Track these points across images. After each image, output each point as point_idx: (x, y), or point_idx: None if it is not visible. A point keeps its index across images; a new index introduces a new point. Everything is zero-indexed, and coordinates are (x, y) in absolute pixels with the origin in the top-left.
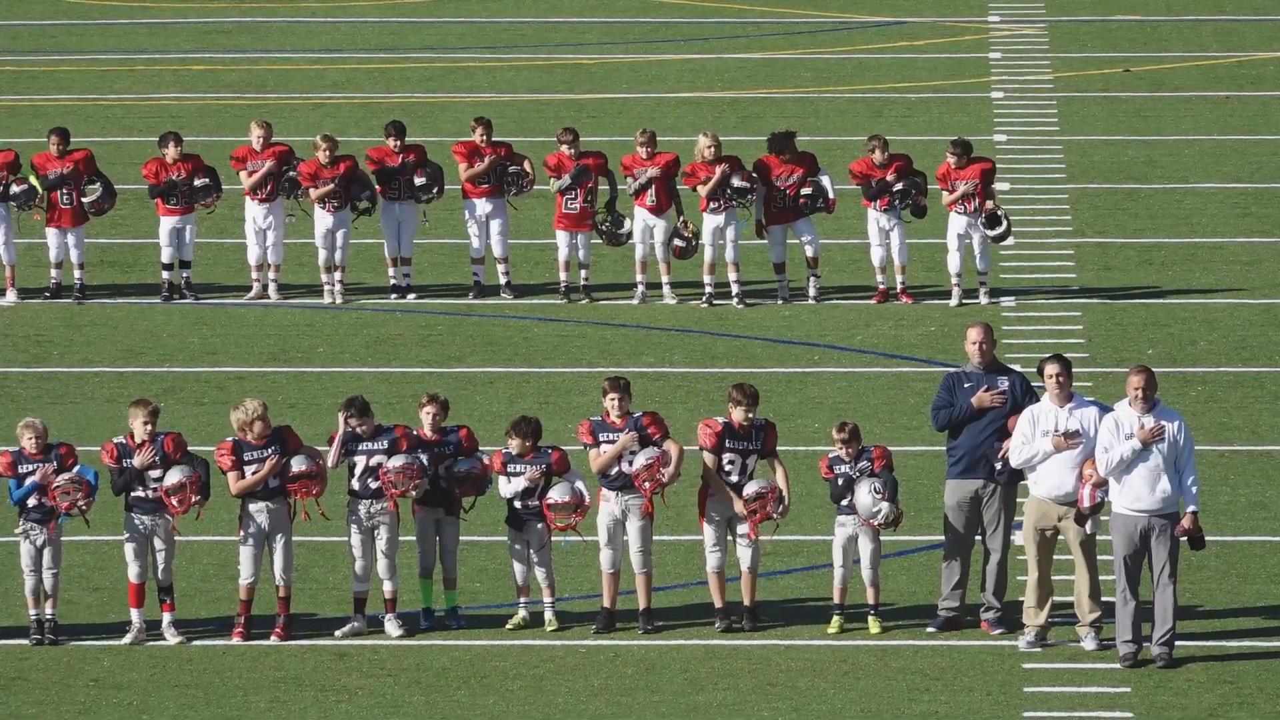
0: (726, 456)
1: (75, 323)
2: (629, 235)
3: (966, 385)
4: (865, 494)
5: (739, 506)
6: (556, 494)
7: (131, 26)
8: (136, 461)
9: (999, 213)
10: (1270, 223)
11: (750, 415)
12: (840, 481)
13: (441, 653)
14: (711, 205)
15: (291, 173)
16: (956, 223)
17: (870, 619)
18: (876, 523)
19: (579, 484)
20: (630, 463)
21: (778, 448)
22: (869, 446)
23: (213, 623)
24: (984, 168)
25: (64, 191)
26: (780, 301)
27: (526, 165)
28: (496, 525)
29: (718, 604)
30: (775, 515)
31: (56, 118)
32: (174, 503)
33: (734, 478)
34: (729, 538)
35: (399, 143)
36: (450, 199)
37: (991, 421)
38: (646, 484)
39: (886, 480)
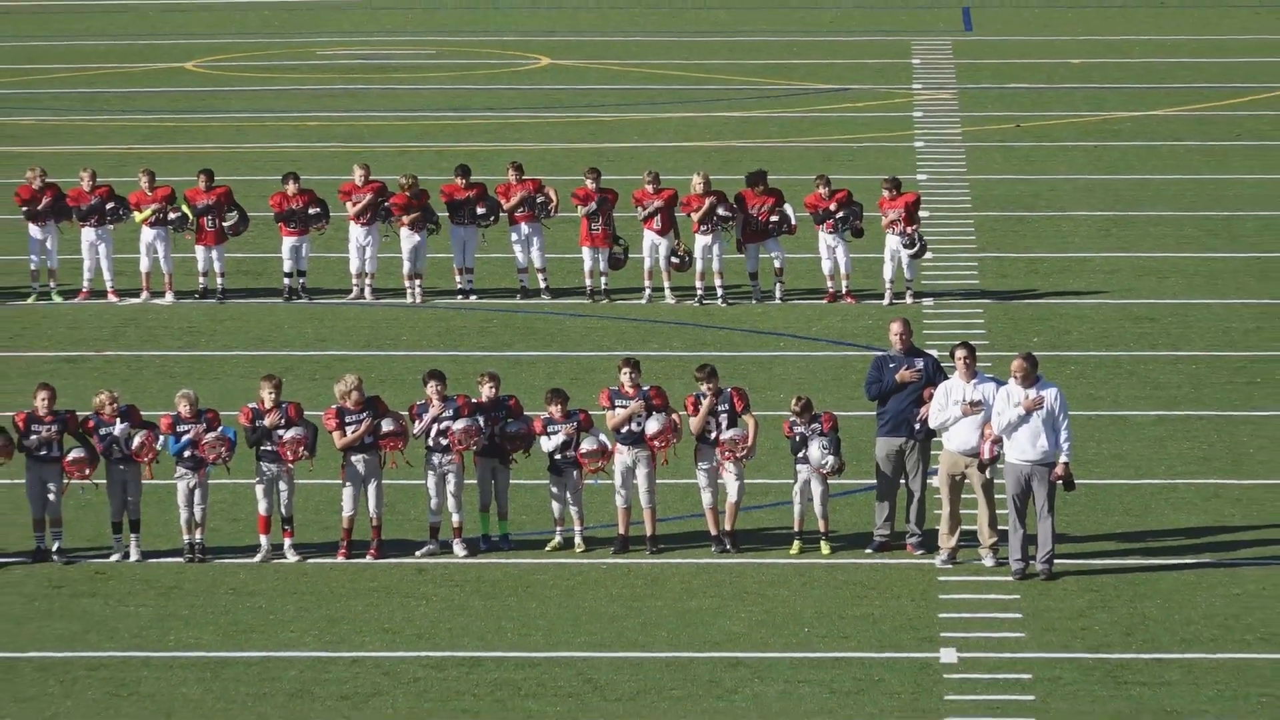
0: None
1: (217, 317)
2: (625, 261)
3: (891, 365)
4: (816, 449)
5: (719, 450)
6: (587, 445)
7: (261, 92)
8: (266, 422)
9: (917, 236)
10: (1126, 242)
11: (711, 385)
12: (796, 439)
13: (496, 568)
14: (702, 228)
15: (385, 203)
16: (889, 241)
17: (822, 543)
18: (824, 471)
19: (601, 436)
20: (639, 424)
21: (751, 410)
22: (820, 413)
23: (323, 546)
24: (908, 200)
25: (209, 218)
26: (755, 302)
27: (551, 193)
28: (538, 472)
29: (713, 531)
30: (740, 456)
31: (204, 161)
32: (288, 454)
33: (713, 434)
34: (719, 480)
35: (465, 181)
36: (501, 223)
37: (911, 392)
38: (657, 444)
39: (832, 439)
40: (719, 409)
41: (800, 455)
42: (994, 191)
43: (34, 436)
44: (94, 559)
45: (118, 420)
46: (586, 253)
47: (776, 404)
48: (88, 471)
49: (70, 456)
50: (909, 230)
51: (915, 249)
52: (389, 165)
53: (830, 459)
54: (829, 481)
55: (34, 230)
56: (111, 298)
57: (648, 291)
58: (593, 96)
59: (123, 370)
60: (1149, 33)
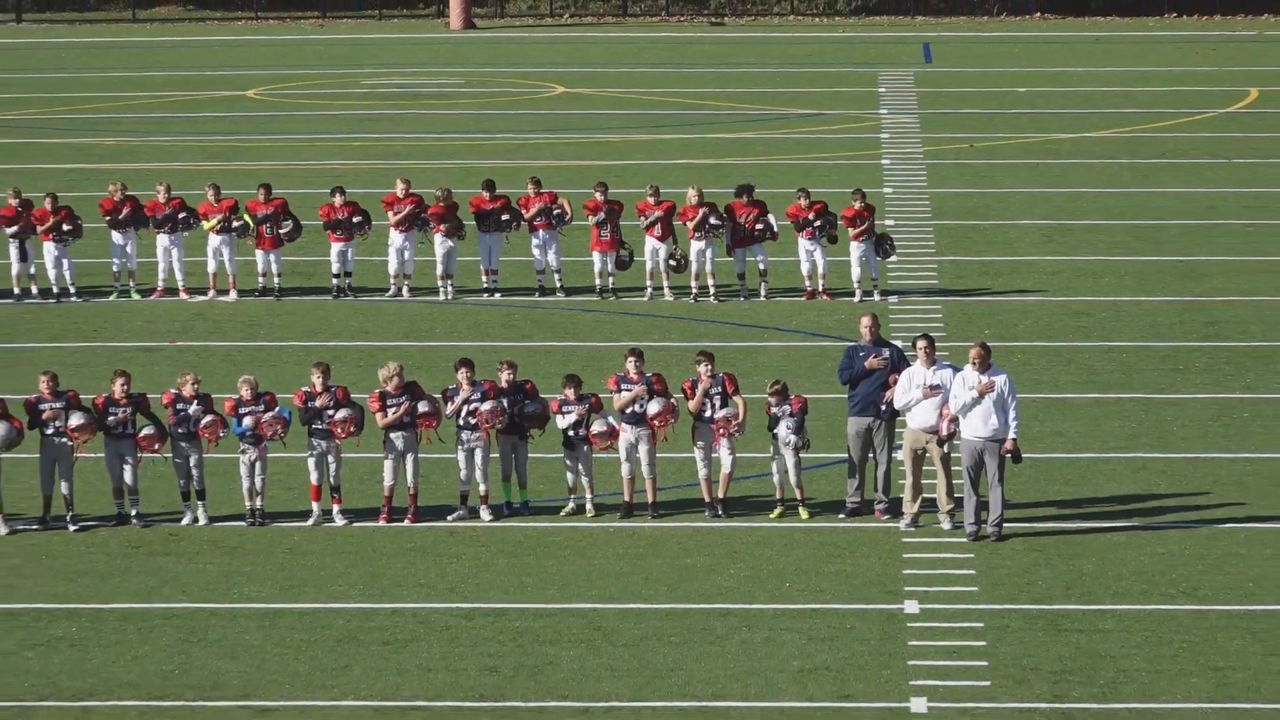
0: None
1: (275, 312)
2: (630, 264)
3: (861, 354)
4: (783, 428)
5: (713, 427)
6: (597, 426)
7: (312, 116)
8: (318, 403)
9: (887, 242)
10: (1066, 247)
11: (707, 368)
12: (771, 418)
13: (517, 531)
14: (696, 235)
15: (423, 213)
16: (858, 247)
17: (800, 509)
18: (792, 447)
19: (610, 418)
20: (642, 406)
21: (740, 392)
22: (792, 396)
23: (367, 511)
24: (871, 208)
25: (268, 226)
26: (742, 299)
27: (565, 204)
28: (554, 446)
29: (706, 499)
30: (734, 431)
31: (263, 176)
32: (339, 431)
33: (708, 412)
34: (713, 455)
35: (490, 193)
36: (522, 230)
37: (878, 378)
38: (657, 423)
39: (799, 419)
40: (713, 391)
41: (775, 432)
42: (951, 203)
43: (111, 417)
44: (168, 523)
45: (195, 402)
46: (596, 256)
47: (761, 388)
48: (157, 446)
49: (142, 433)
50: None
51: (888, 251)
52: (424, 180)
53: (793, 437)
54: (799, 455)
55: (116, 237)
56: (183, 295)
57: (649, 290)
58: (601, 120)
59: (192, 358)
60: (1085, 65)
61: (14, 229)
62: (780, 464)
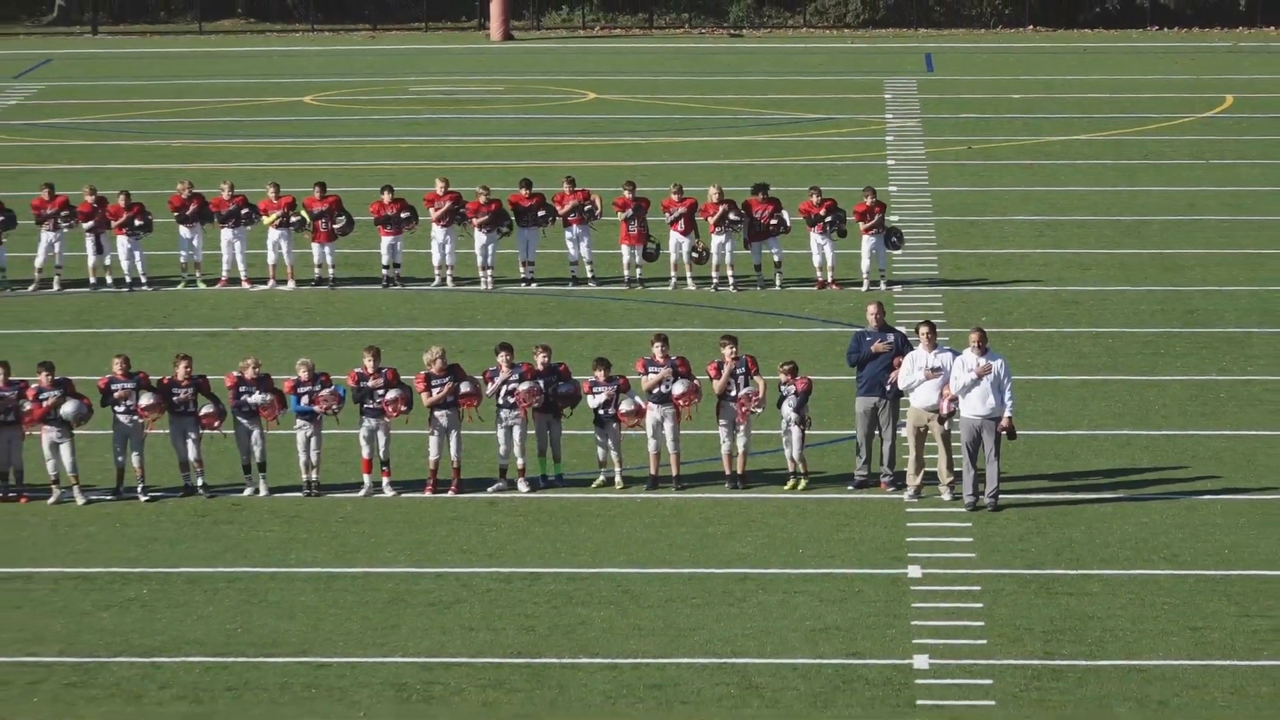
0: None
1: (329, 300)
2: (656, 256)
3: (868, 339)
4: (787, 407)
5: (736, 405)
6: (625, 405)
7: (363, 120)
8: (369, 384)
9: (895, 234)
10: (1057, 241)
11: (731, 350)
12: (779, 397)
13: (552, 501)
14: (716, 229)
15: (461, 209)
16: (866, 240)
17: (800, 480)
18: (795, 425)
19: (637, 398)
20: (667, 387)
21: (760, 373)
22: (799, 378)
23: (414, 483)
24: (883, 205)
25: (323, 221)
26: (759, 288)
27: (596, 201)
28: (585, 424)
29: (727, 472)
30: (755, 409)
31: (318, 175)
32: (390, 410)
33: (732, 391)
34: (735, 432)
35: (528, 191)
36: (557, 225)
37: (883, 360)
38: (681, 403)
39: (802, 399)
40: (737, 371)
41: (781, 409)
42: (951, 200)
43: (175, 397)
44: (231, 493)
45: (256, 383)
46: (624, 249)
47: (776, 371)
48: (217, 424)
49: (203, 411)
50: (884, 230)
51: (897, 243)
52: (466, 179)
53: (794, 414)
54: (806, 431)
55: (183, 231)
56: (245, 285)
57: (673, 280)
58: (629, 124)
59: (254, 343)
60: (1074, 74)
61: (90, 224)
62: (788, 440)
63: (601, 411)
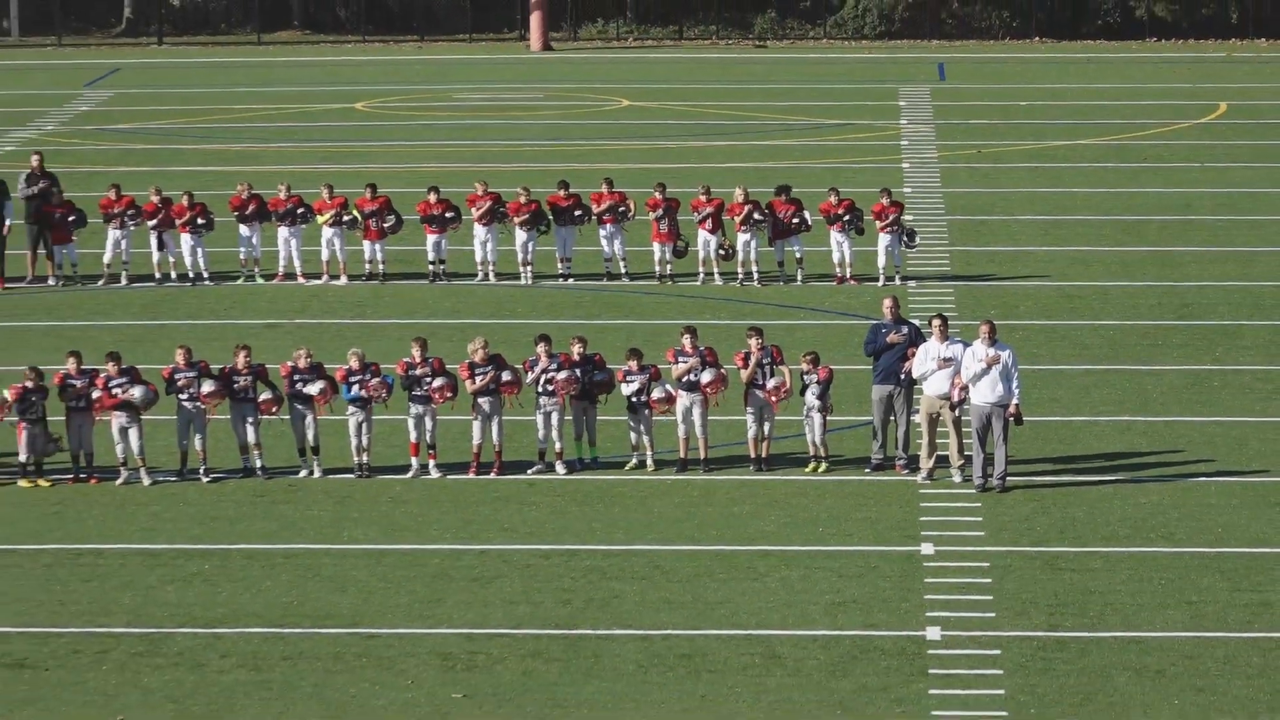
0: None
1: (379, 294)
2: (685, 253)
3: (883, 330)
4: (810, 394)
5: (764, 395)
6: (657, 393)
7: (411, 126)
8: (417, 372)
9: (912, 234)
10: (1060, 239)
11: (758, 341)
12: (802, 386)
13: (587, 483)
14: (742, 228)
15: (501, 209)
16: (883, 238)
17: (820, 464)
18: (816, 411)
19: (667, 386)
20: (696, 376)
21: (786, 362)
22: (820, 367)
23: (458, 465)
24: (900, 205)
25: (373, 220)
26: (782, 283)
27: (630, 202)
28: (619, 410)
29: (752, 455)
30: (783, 397)
31: (369, 176)
32: (437, 397)
33: (759, 380)
34: (763, 419)
35: (565, 192)
36: (592, 223)
37: (898, 351)
38: (709, 390)
39: (824, 387)
40: (763, 361)
41: (804, 397)
42: (961, 201)
43: (235, 384)
44: (288, 475)
45: (309, 371)
46: (656, 246)
47: (798, 361)
48: (275, 410)
49: (261, 398)
50: (899, 229)
51: (912, 241)
52: (507, 181)
53: (817, 401)
54: (828, 417)
55: (242, 229)
56: (300, 280)
57: (702, 275)
58: (660, 129)
59: (308, 334)
60: (1078, 82)
61: (155, 222)
62: (809, 425)
63: (634, 398)
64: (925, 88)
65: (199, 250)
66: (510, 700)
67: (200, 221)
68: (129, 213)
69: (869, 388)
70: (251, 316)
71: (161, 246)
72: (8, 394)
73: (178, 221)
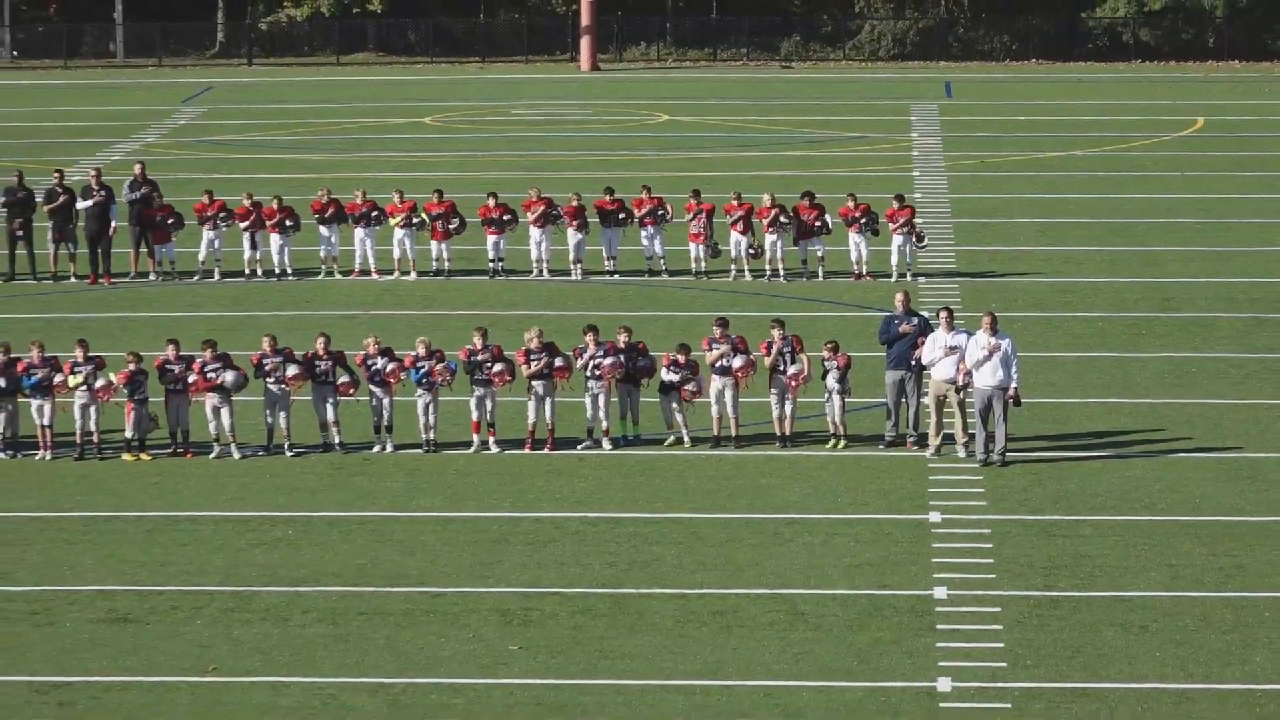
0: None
1: (446, 289)
2: (718, 253)
3: (896, 321)
4: (831, 379)
5: (785, 380)
6: (690, 386)
7: (474, 138)
8: (479, 358)
9: (921, 235)
10: (1055, 240)
11: (779, 331)
12: (824, 370)
13: (630, 458)
14: (770, 230)
15: (556, 212)
16: (896, 239)
17: (839, 441)
18: (836, 394)
19: (701, 382)
20: (728, 361)
21: (805, 350)
22: (840, 354)
23: (514, 441)
24: (911, 209)
25: (440, 222)
26: (805, 279)
27: (669, 207)
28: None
29: (777, 433)
30: (803, 382)
31: (436, 183)
32: (497, 381)
33: (781, 366)
34: (785, 401)
35: (610, 197)
36: (634, 225)
37: (909, 340)
38: (740, 375)
39: (844, 372)
40: (784, 350)
41: (825, 381)
42: (966, 205)
43: (317, 369)
44: (363, 450)
45: (380, 356)
46: (692, 246)
47: (819, 348)
48: (352, 391)
49: (340, 381)
50: (911, 231)
51: (921, 242)
52: (559, 187)
53: (837, 385)
54: (846, 399)
55: (322, 230)
56: (374, 275)
57: (733, 272)
58: (696, 141)
59: (381, 323)
60: (1071, 99)
61: (246, 224)
62: (831, 406)
63: (671, 382)
64: (934, 104)
65: (286, 249)
66: (561, 652)
67: (288, 223)
68: (221, 215)
69: (883, 372)
70: (330, 308)
71: (253, 246)
72: (115, 378)
73: (268, 222)
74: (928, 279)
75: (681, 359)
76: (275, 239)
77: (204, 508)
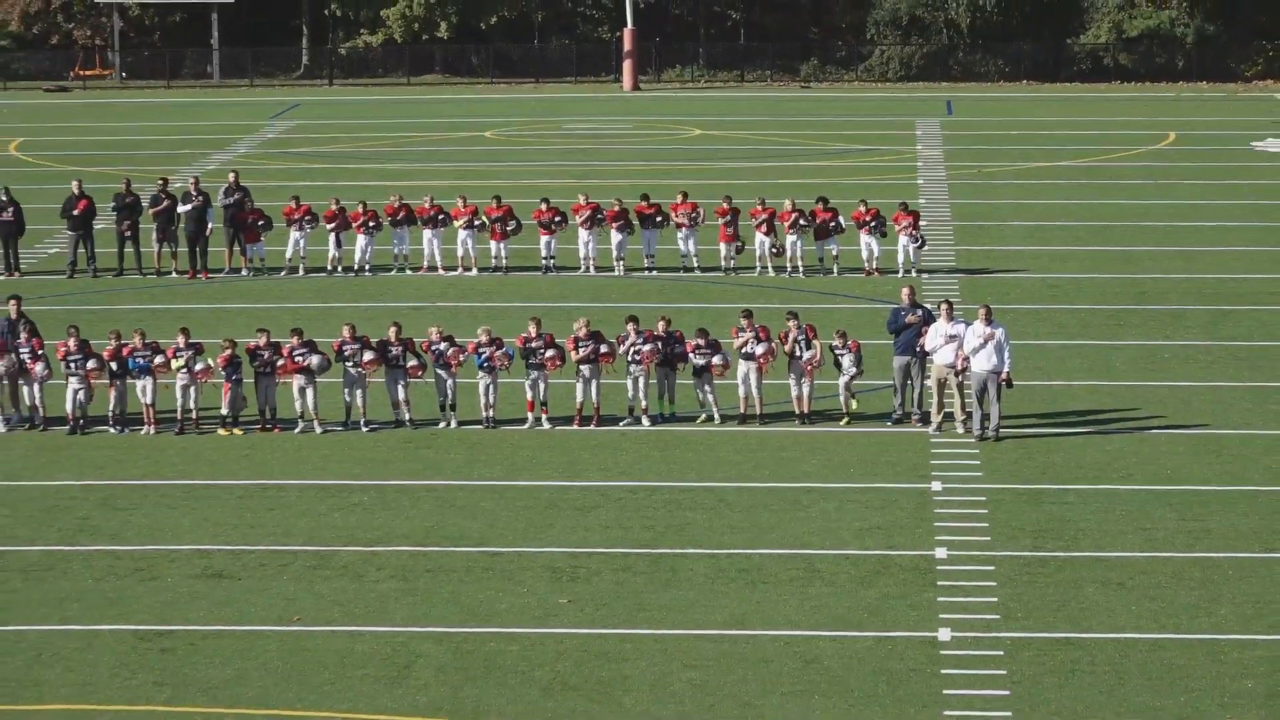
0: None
1: (503, 283)
2: (743, 251)
3: (902, 313)
4: (846, 362)
5: (801, 364)
6: (718, 360)
7: (528, 150)
8: (533, 344)
9: (921, 236)
10: (1044, 241)
11: (795, 322)
12: (835, 355)
13: (667, 434)
14: (791, 231)
15: (600, 216)
16: (902, 240)
17: (847, 417)
18: (849, 377)
19: (726, 355)
20: (752, 348)
21: (819, 338)
22: (850, 341)
23: (564, 419)
24: (916, 214)
25: (498, 225)
26: (821, 275)
27: (701, 212)
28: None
29: (796, 411)
30: (816, 365)
31: (494, 189)
32: (549, 365)
33: (797, 353)
34: (801, 383)
35: (647, 202)
36: (670, 226)
37: (913, 329)
38: (762, 360)
39: (856, 357)
40: (799, 338)
41: (837, 365)
42: (965, 210)
43: (389, 353)
44: (430, 426)
45: (442, 341)
46: (721, 246)
47: (831, 336)
48: (421, 374)
49: (410, 364)
50: (913, 232)
51: (920, 244)
52: (604, 193)
53: (851, 370)
54: (853, 382)
55: (395, 231)
56: (440, 272)
57: (758, 269)
58: (726, 153)
59: (447, 313)
60: (1058, 116)
61: (332, 226)
62: (842, 387)
63: (702, 366)
64: (936, 120)
65: (369, 248)
66: (605, 605)
67: (372, 224)
68: (305, 218)
69: (890, 358)
70: (402, 301)
71: (338, 245)
72: (213, 362)
73: (354, 224)
74: (930, 275)
75: (702, 341)
76: (361, 239)
77: (289, 476)
